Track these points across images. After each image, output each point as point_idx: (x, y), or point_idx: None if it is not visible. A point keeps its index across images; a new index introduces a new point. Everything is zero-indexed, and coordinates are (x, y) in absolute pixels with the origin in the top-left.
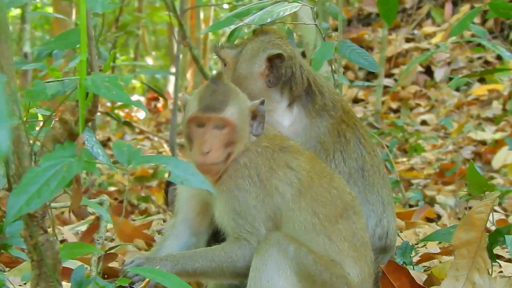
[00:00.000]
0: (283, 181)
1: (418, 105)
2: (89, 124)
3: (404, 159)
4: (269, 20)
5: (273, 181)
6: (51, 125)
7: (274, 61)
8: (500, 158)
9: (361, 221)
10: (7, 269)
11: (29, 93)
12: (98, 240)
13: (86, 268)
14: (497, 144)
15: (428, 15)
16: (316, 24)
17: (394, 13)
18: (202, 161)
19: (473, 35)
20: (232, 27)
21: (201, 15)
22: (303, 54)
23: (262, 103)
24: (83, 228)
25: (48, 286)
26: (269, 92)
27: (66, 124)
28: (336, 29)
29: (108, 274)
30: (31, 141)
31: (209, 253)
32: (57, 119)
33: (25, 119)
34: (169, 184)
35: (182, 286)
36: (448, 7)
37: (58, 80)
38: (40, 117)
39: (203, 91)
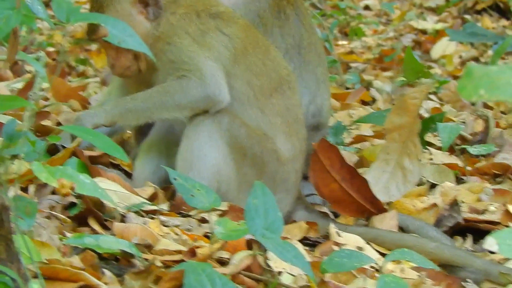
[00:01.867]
0: (217, 41)
1: None
2: None
3: (345, 42)
4: None
5: (207, 39)
6: None
7: None
8: (440, 48)
9: (296, 97)
10: None
11: None
12: (31, 95)
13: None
14: (438, 34)
15: None
16: None
17: None
18: (114, 73)
19: None
20: None
21: None
22: None
23: None
24: (20, 85)
25: None
26: None
27: None
28: None
29: (41, 131)
30: None
31: (148, 91)
32: None
33: None
34: None
35: (112, 146)
36: None
37: None
38: None
39: None
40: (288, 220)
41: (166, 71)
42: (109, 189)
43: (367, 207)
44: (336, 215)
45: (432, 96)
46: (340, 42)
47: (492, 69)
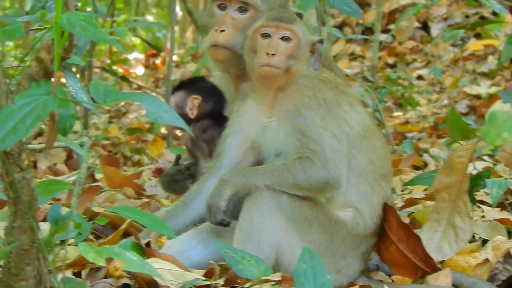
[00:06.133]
0: (350, 115)
1: (414, 60)
2: (85, 75)
3: (400, 113)
4: None
5: (340, 111)
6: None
7: None
8: None
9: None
10: None
11: (5, 32)
12: (77, 181)
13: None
14: (492, 98)
15: None
16: None
17: None
18: (266, 61)
19: None
20: None
21: None
22: None
23: (321, 41)
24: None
25: (24, 223)
26: None
27: (42, 62)
28: None
29: (94, 218)
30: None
31: (271, 166)
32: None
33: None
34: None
35: (158, 223)
36: None
37: (46, 28)
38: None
39: (271, 11)
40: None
41: (291, 135)
42: (163, 268)
43: (421, 267)
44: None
45: (485, 157)
46: (395, 114)
47: None
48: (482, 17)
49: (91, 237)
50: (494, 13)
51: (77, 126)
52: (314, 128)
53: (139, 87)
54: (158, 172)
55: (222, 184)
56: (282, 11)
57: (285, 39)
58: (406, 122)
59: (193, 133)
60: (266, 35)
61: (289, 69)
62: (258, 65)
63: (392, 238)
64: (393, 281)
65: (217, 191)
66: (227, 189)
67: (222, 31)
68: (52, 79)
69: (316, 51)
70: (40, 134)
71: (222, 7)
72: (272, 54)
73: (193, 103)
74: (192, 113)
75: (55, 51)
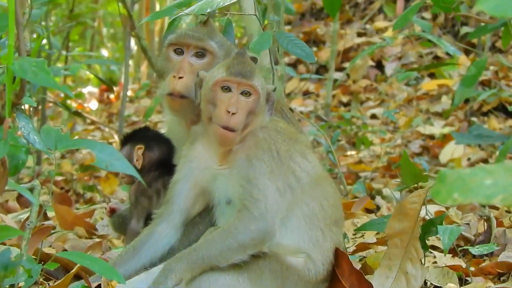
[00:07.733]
0: (300, 167)
1: (368, 99)
2: (39, 113)
3: (353, 152)
4: (209, 10)
5: (291, 163)
6: None
7: None
8: (448, 152)
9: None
10: None
11: None
12: (28, 224)
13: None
14: (445, 139)
15: (380, 10)
16: (256, 15)
17: (338, 6)
18: (225, 123)
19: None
20: (173, 16)
21: (157, 7)
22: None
23: (274, 89)
24: (26, 216)
25: None
26: None
27: None
28: (289, 23)
29: (45, 260)
30: None
31: (210, 237)
32: None
33: None
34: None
35: (109, 270)
36: (400, 2)
37: None
38: None
39: (230, 61)
40: None
41: (237, 182)
42: None
43: None
44: None
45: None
46: (349, 153)
47: (465, 172)
48: (436, 57)
49: (41, 279)
50: (448, 53)
51: (30, 161)
52: (261, 178)
53: (93, 122)
54: (112, 212)
55: (167, 273)
56: (242, 63)
57: (245, 93)
58: (360, 162)
59: (136, 189)
60: (227, 89)
61: (246, 126)
62: (217, 123)
63: (344, 284)
64: None
65: (162, 279)
66: (172, 279)
67: (180, 77)
68: (3, 125)
69: (270, 99)
70: None
71: (179, 52)
72: (233, 113)
73: (138, 154)
74: (139, 164)
75: (6, 96)
